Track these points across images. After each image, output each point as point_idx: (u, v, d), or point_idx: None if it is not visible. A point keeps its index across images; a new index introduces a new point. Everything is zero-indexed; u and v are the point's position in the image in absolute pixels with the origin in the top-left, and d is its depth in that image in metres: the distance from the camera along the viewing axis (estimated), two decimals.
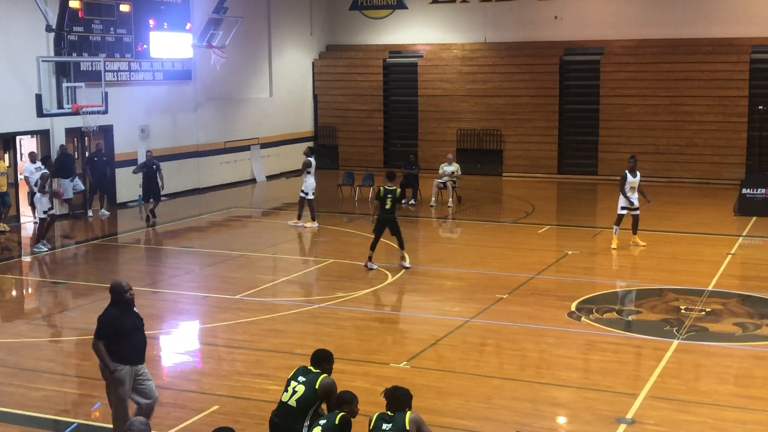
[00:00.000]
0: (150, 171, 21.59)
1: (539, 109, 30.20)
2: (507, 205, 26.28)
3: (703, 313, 13.35)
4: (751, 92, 27.64)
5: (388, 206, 16.46)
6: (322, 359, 7.77)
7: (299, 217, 20.93)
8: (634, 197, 18.11)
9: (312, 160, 20.74)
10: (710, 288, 14.81)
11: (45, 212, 18.40)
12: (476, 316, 13.27)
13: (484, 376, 10.77)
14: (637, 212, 18.17)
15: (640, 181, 18.31)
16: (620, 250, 17.96)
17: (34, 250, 18.40)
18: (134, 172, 22.28)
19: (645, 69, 28.98)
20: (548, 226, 21.37)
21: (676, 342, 11.91)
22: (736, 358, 11.49)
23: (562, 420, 9.54)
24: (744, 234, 19.79)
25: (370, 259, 16.35)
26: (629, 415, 9.42)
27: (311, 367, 7.72)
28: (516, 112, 30.48)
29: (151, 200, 21.56)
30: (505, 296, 14.38)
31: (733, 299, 14.12)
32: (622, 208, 18.24)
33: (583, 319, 13.12)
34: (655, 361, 11.16)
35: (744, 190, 22.32)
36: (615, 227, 18.34)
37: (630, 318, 13.25)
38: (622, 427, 9.14)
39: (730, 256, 17.53)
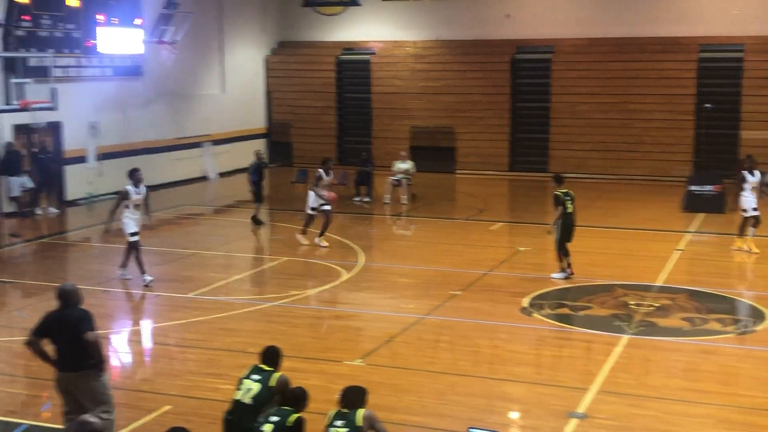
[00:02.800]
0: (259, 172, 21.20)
1: (491, 106, 30.39)
2: (460, 202, 26.41)
3: (652, 308, 13.57)
4: (698, 90, 28.10)
5: None
6: (274, 356, 7.77)
7: (321, 234, 18.30)
8: (755, 198, 17.42)
9: (322, 172, 18.22)
10: (659, 283, 15.05)
11: None
12: (430, 312, 13.33)
13: (438, 372, 10.82)
14: (757, 213, 17.48)
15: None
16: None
17: None
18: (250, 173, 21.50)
19: (595, 67, 29.32)
20: (501, 223, 21.53)
21: (625, 337, 12.09)
22: (685, 353, 11.69)
23: (514, 415, 9.64)
24: (691, 230, 20.13)
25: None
26: (581, 410, 9.54)
27: (263, 366, 7.70)
28: (469, 110, 30.64)
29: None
30: (458, 293, 14.47)
31: (681, 294, 14.36)
32: (744, 210, 17.48)
33: (535, 314, 13.25)
34: (605, 356, 11.31)
35: (691, 187, 22.70)
36: (751, 230, 17.69)
37: (581, 313, 13.42)
38: (574, 421, 9.25)
39: (678, 252, 17.83)
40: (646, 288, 14.65)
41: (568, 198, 15.22)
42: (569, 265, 15.27)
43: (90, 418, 6.30)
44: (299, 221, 21.17)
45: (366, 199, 24.25)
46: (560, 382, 10.44)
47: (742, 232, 17.50)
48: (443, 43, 31.42)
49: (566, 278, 15.09)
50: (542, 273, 16.23)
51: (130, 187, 14.67)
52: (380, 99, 31.77)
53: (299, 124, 32.71)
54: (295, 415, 7.10)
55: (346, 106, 32.68)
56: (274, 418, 7.10)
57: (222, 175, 29.82)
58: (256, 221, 20.53)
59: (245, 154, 31.62)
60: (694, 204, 22.34)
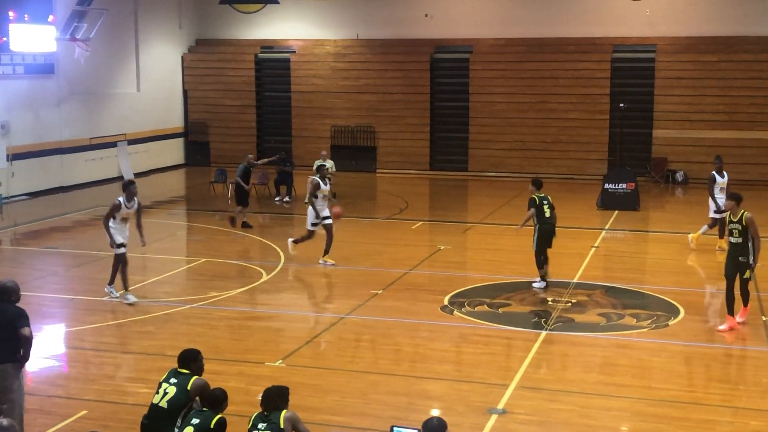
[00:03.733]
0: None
1: (411, 106, 30.55)
2: (381, 202, 26.47)
3: (570, 304, 13.80)
4: (612, 90, 28.75)
5: None
6: (190, 359, 7.66)
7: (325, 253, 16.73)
8: (723, 199, 17.23)
9: (319, 179, 16.48)
10: (576, 280, 15.33)
11: None
12: (351, 312, 13.31)
13: (360, 371, 10.81)
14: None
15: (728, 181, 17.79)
16: (489, 246, 18.35)
17: None
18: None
19: (512, 67, 29.73)
20: (421, 222, 21.65)
21: (544, 333, 12.28)
22: (601, 347, 11.92)
23: (435, 412, 9.66)
24: (607, 227, 20.57)
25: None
26: (500, 406, 9.64)
27: (181, 369, 7.59)
28: (389, 109, 30.74)
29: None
30: (379, 292, 14.48)
31: (597, 290, 14.65)
32: (714, 212, 17.53)
33: (455, 312, 13.35)
34: (524, 352, 11.46)
35: (606, 185, 23.20)
36: (704, 227, 17.84)
37: (500, 311, 13.56)
38: (494, 417, 9.34)
39: (594, 248, 18.19)
40: (564, 284, 14.90)
41: (546, 202, 14.64)
42: (543, 278, 14.64)
43: (5, 422, 6.18)
44: (219, 221, 20.93)
45: (286, 199, 24.10)
46: (480, 379, 10.54)
47: (722, 234, 17.44)
48: (363, 42, 31.45)
49: (546, 287, 14.49)
50: (463, 271, 16.39)
51: (121, 199, 13.75)
52: (300, 98, 31.63)
53: (217, 123, 32.34)
54: (216, 418, 7.01)
55: (266, 105, 32.46)
56: (195, 421, 7.01)
57: (138, 175, 29.27)
58: (245, 225, 20.04)
59: (162, 153, 31.26)
60: (609, 202, 22.84)
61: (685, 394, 10.18)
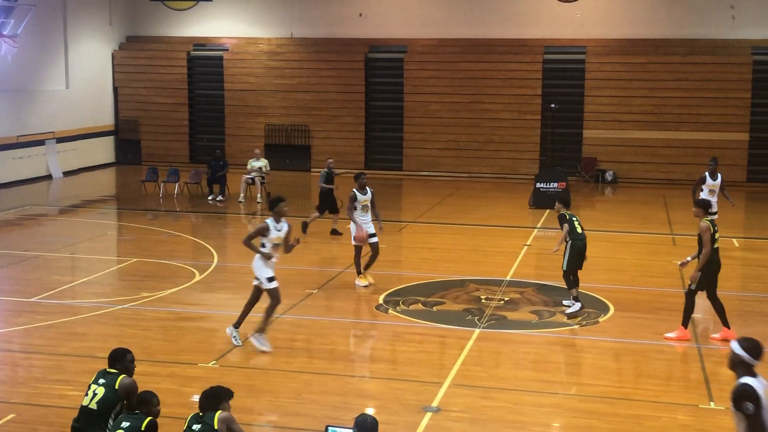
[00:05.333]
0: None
1: (346, 105, 30.54)
2: (316, 201, 26.33)
3: (502, 302, 13.96)
4: (543, 91, 29.15)
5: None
6: (117, 359, 7.55)
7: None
8: (714, 201, 17.24)
9: (356, 192, 15.11)
10: (508, 278, 15.50)
11: None
12: (286, 312, 13.24)
13: (294, 371, 10.77)
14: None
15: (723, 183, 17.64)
16: (423, 245, 18.43)
17: None
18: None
19: (446, 68, 29.93)
20: None
21: (477, 331, 12.39)
22: (533, 345, 12.08)
23: (370, 411, 9.68)
24: (538, 226, 20.85)
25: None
26: (435, 404, 9.70)
27: (110, 369, 7.48)
28: (323, 108, 30.68)
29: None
30: (315, 291, 14.45)
31: (529, 288, 14.84)
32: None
33: (390, 311, 13.39)
34: (458, 350, 11.55)
35: (538, 185, 23.52)
36: None
37: (434, 309, 13.64)
38: (428, 415, 9.40)
39: (526, 247, 18.43)
40: (497, 282, 15.06)
41: (576, 219, 13.53)
42: (576, 297, 13.34)
43: None
44: (150, 221, 20.66)
45: (219, 198, 23.87)
46: (415, 377, 10.59)
47: None
48: (297, 41, 31.33)
49: (581, 309, 13.20)
50: (398, 270, 16.44)
51: (269, 222, 11.91)
52: (234, 96, 31.37)
53: (149, 122, 31.88)
54: (147, 420, 6.92)
55: (198, 103, 32.11)
56: (125, 424, 6.91)
57: (68, 173, 28.69)
58: (335, 233, 19.36)
59: (92, 151, 30.68)
60: (540, 201, 23.15)
61: (615, 389, 10.39)
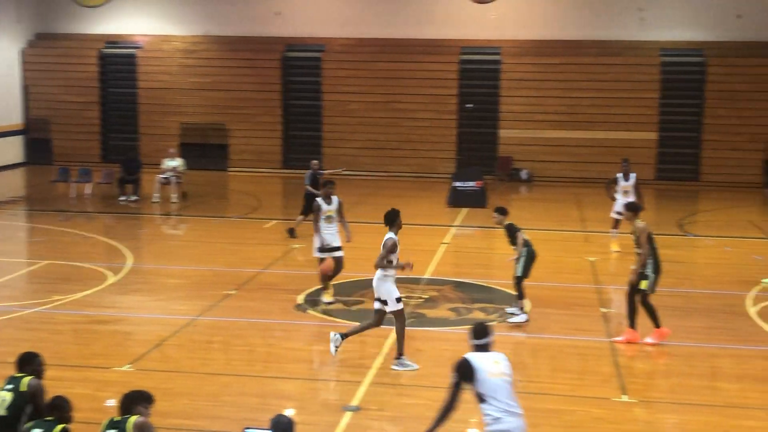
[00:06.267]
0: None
1: (263, 104, 30.33)
2: (233, 200, 26.15)
3: (422, 300, 14.05)
4: (460, 91, 29.45)
5: None
6: (25, 362, 7.37)
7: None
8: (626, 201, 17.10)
9: (320, 201, 14.04)
10: (427, 276, 15.61)
11: None
12: (203, 313, 13.08)
13: (212, 374, 10.64)
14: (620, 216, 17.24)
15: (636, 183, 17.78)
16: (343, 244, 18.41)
17: None
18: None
19: (364, 67, 29.98)
20: (275, 221, 21.50)
21: None
22: (452, 342, 12.18)
23: (290, 412, 9.63)
24: (456, 224, 21.06)
25: None
26: (354, 403, 9.70)
27: (17, 374, 7.30)
28: (240, 107, 30.40)
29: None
30: (232, 292, 14.30)
31: (447, 286, 14.97)
32: (617, 212, 17.53)
33: (309, 311, 13.34)
34: (377, 349, 11.57)
35: (455, 183, 23.76)
36: (613, 231, 17.84)
37: (354, 308, 13.64)
38: (348, 414, 9.39)
39: (444, 245, 18.58)
40: (416, 281, 15.13)
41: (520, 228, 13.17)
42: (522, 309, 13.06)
43: None
44: (61, 222, 20.15)
45: (133, 198, 23.42)
46: (334, 377, 10.58)
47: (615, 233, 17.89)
48: (213, 39, 30.97)
49: (526, 321, 12.83)
50: (317, 270, 16.38)
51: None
52: (148, 95, 30.82)
53: (59, 120, 31.08)
54: (60, 426, 6.75)
55: (111, 102, 31.45)
56: (38, 431, 6.72)
57: None
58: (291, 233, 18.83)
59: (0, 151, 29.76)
60: (458, 199, 23.39)
61: (531, 384, 10.54)
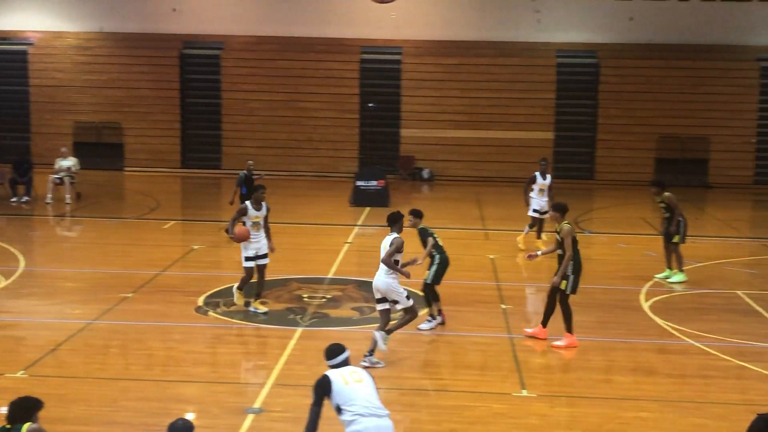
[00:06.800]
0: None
1: (161, 102, 29.78)
2: (130, 201, 25.58)
3: (325, 300, 14.02)
4: (361, 90, 29.53)
5: None
6: (24, 410, 7.02)
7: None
8: (544, 200, 17.56)
9: (248, 206, 13.27)
10: (330, 276, 15.59)
11: None
12: (99, 317, 12.74)
13: (109, 378, 10.38)
14: (546, 215, 17.46)
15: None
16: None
17: None
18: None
19: (264, 65, 29.76)
20: (173, 222, 21.14)
21: (300, 329, 12.37)
22: (355, 341, 12.16)
23: (190, 416, 9.46)
24: (359, 224, 21.10)
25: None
26: (257, 405, 9.61)
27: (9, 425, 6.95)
28: (136, 105, 29.78)
29: None
30: (130, 295, 13.97)
31: (350, 285, 14.98)
32: (534, 210, 17.68)
33: (210, 313, 13.15)
34: (280, 350, 11.49)
35: (358, 183, 23.81)
36: (526, 228, 17.92)
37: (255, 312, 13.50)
38: (250, 417, 9.30)
39: (347, 244, 18.59)
40: (319, 281, 15.10)
41: (432, 232, 12.75)
42: (440, 312, 12.75)
43: None
44: None
45: (25, 199, 22.66)
46: (236, 379, 10.45)
47: (537, 233, 17.98)
48: (108, 36, 30.25)
49: (437, 326, 12.47)
50: (218, 271, 16.18)
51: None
52: (40, 92, 29.91)
53: None
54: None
55: (1, 100, 30.39)
56: None
57: None
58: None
59: None
60: (360, 199, 23.45)
61: (434, 381, 10.65)
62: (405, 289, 11.32)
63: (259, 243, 13.09)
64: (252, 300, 13.18)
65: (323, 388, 7.04)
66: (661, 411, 9.82)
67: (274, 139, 29.63)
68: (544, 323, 12.12)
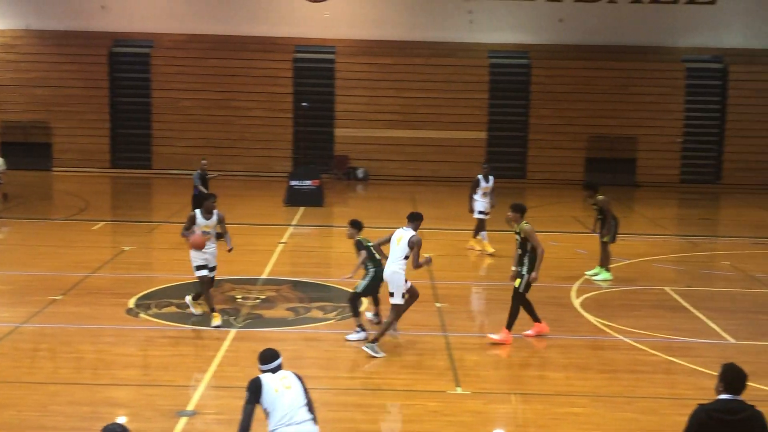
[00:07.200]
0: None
1: (89, 101, 29.26)
2: (59, 201, 25.06)
3: (258, 300, 13.91)
4: (295, 90, 29.42)
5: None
6: None
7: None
8: (487, 202, 17.56)
9: (198, 214, 12.54)
10: (264, 276, 15.48)
11: None
12: (28, 320, 12.44)
13: (38, 383, 10.14)
14: (487, 216, 17.72)
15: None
16: (176, 245, 18.03)
17: None
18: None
19: (196, 64, 29.44)
20: (103, 222, 20.79)
21: (233, 331, 12.25)
22: (290, 342, 12.12)
23: (122, 419, 9.31)
24: (293, 224, 21.00)
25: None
26: (190, 407, 9.49)
27: None
28: (65, 104, 29.20)
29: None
30: (59, 297, 13.68)
31: (285, 285, 14.90)
32: (480, 212, 17.68)
33: (141, 315, 12.95)
34: (214, 351, 11.37)
35: (292, 182, 23.70)
36: (482, 233, 17.87)
37: (188, 311, 13.33)
38: (184, 419, 9.18)
39: (281, 245, 18.49)
40: (252, 281, 14.99)
41: (370, 244, 12.25)
42: (377, 314, 12.53)
43: None
44: None
45: None
46: (169, 382, 10.31)
47: (475, 234, 18.05)
48: (35, 33, 29.59)
49: (365, 339, 11.86)
50: (149, 272, 15.96)
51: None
52: None
53: None
54: None
55: None
56: None
57: None
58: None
59: None
60: (294, 198, 23.35)
61: (369, 381, 10.66)
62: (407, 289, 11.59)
63: (210, 253, 12.41)
64: (190, 297, 13.05)
65: (254, 391, 7.06)
66: (593, 406, 9.98)
67: (207, 139, 29.33)
68: (535, 319, 12.39)
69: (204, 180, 18.84)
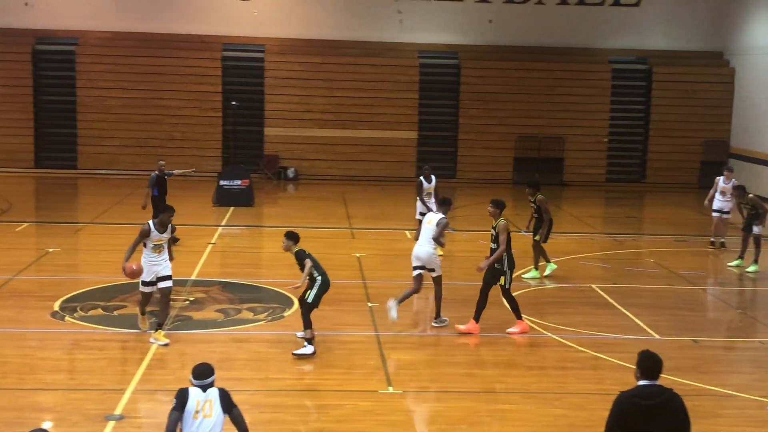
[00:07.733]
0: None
1: (12, 99, 28.52)
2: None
3: (188, 302, 13.75)
4: (224, 88, 29.11)
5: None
6: None
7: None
8: (431, 203, 17.34)
9: (151, 224, 11.86)
10: (193, 277, 15.29)
11: None
12: None
13: None
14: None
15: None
16: (103, 246, 17.70)
17: None
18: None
19: (122, 62, 28.90)
20: (27, 224, 20.28)
21: (162, 333, 12.06)
22: (219, 343, 12.02)
23: (48, 425, 9.12)
24: (223, 224, 20.80)
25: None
26: (118, 411, 9.34)
27: None
28: None
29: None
30: None
31: (214, 287, 14.75)
32: (421, 213, 17.32)
33: (67, 318, 12.68)
34: (141, 354, 11.20)
35: (222, 182, 23.46)
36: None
37: (116, 313, 13.12)
38: (111, 424, 9.03)
39: (211, 245, 18.30)
40: (181, 283, 14.78)
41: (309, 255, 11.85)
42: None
43: None
44: None
45: None
46: (96, 386, 10.12)
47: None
48: None
49: (313, 353, 11.47)
50: (75, 274, 15.66)
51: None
52: None
53: None
54: None
55: None
56: None
57: None
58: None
59: None
60: (224, 198, 23.13)
61: (300, 381, 10.63)
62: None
63: (159, 266, 11.75)
64: (153, 331, 11.84)
65: (180, 400, 6.95)
66: (523, 402, 10.11)
67: (134, 138, 28.85)
68: (476, 318, 12.58)
69: (162, 182, 17.99)
